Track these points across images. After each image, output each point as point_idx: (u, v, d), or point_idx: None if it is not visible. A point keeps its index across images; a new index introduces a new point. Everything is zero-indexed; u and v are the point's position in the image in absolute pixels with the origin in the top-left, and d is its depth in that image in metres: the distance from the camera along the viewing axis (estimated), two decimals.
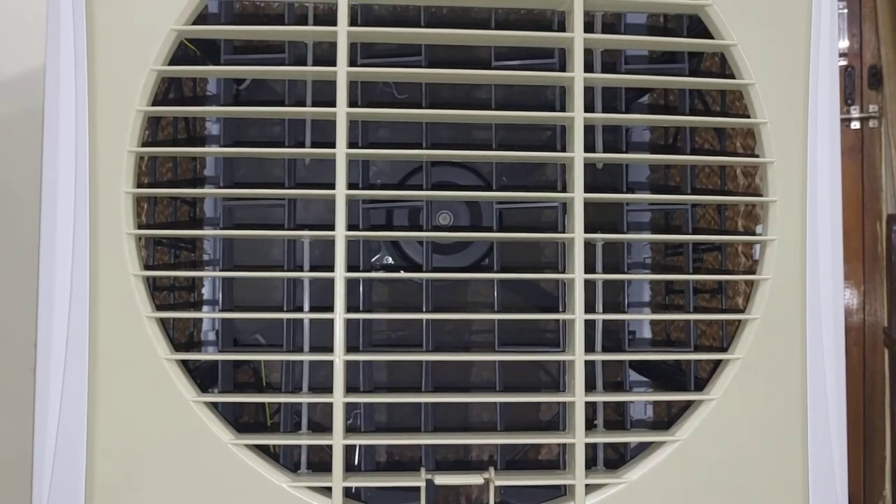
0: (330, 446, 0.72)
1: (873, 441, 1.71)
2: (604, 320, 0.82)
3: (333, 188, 0.73)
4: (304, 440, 0.79)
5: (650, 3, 0.80)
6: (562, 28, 0.80)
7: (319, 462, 0.80)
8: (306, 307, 0.83)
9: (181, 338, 0.94)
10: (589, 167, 0.75)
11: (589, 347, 0.75)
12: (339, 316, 0.73)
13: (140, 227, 0.76)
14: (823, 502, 0.76)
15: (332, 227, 0.73)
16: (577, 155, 0.75)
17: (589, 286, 0.75)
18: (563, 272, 0.78)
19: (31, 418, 0.71)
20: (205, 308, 1.02)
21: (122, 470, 0.72)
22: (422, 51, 0.83)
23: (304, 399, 0.79)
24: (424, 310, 0.84)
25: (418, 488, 0.74)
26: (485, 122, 0.87)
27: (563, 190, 0.78)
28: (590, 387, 0.75)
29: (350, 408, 0.85)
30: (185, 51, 0.83)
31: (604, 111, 0.83)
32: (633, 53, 0.92)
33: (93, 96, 0.72)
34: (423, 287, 0.84)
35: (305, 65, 0.81)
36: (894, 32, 1.68)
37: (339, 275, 0.73)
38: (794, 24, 0.77)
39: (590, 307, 0.76)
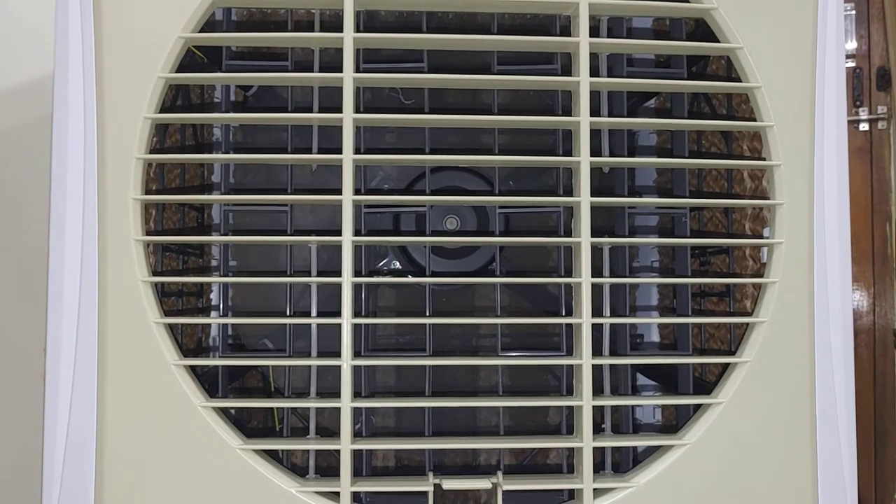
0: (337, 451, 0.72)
1: (884, 443, 1.70)
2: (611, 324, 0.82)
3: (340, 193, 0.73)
4: (312, 445, 0.79)
5: (655, 6, 0.80)
6: (563, 33, 0.80)
7: (328, 467, 0.80)
8: (314, 312, 0.83)
9: (189, 343, 0.94)
10: (595, 171, 0.75)
11: (597, 351, 0.74)
12: (347, 321, 0.74)
13: (148, 233, 0.76)
14: None
15: (339, 233, 0.73)
16: (584, 159, 0.75)
17: (596, 290, 0.75)
18: (571, 276, 0.78)
19: (41, 424, 0.72)
20: (213, 314, 1.02)
21: (131, 475, 0.72)
22: (424, 56, 0.83)
23: (312, 404, 0.79)
24: (427, 314, 0.84)
25: (426, 493, 0.74)
26: (490, 126, 0.87)
27: (570, 194, 0.78)
28: (597, 390, 0.75)
29: (357, 413, 0.85)
30: (193, 58, 0.83)
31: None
32: (640, 57, 0.92)
33: (101, 104, 0.73)
34: (426, 291, 0.84)
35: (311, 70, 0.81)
36: None
37: (347, 280, 0.74)
38: (800, 26, 0.77)
39: (597, 311, 0.76)
